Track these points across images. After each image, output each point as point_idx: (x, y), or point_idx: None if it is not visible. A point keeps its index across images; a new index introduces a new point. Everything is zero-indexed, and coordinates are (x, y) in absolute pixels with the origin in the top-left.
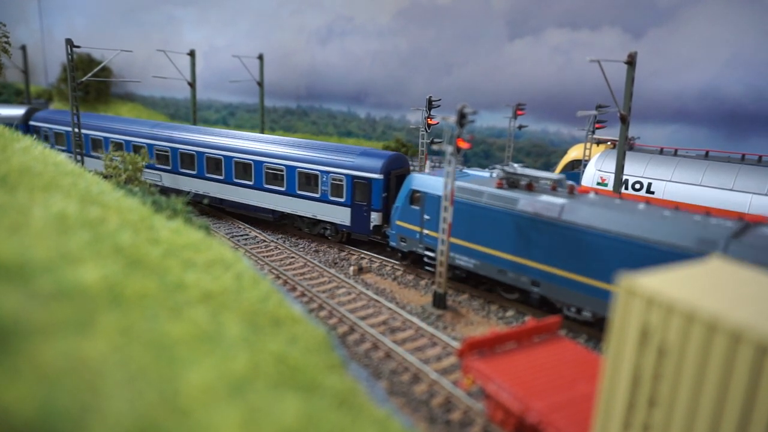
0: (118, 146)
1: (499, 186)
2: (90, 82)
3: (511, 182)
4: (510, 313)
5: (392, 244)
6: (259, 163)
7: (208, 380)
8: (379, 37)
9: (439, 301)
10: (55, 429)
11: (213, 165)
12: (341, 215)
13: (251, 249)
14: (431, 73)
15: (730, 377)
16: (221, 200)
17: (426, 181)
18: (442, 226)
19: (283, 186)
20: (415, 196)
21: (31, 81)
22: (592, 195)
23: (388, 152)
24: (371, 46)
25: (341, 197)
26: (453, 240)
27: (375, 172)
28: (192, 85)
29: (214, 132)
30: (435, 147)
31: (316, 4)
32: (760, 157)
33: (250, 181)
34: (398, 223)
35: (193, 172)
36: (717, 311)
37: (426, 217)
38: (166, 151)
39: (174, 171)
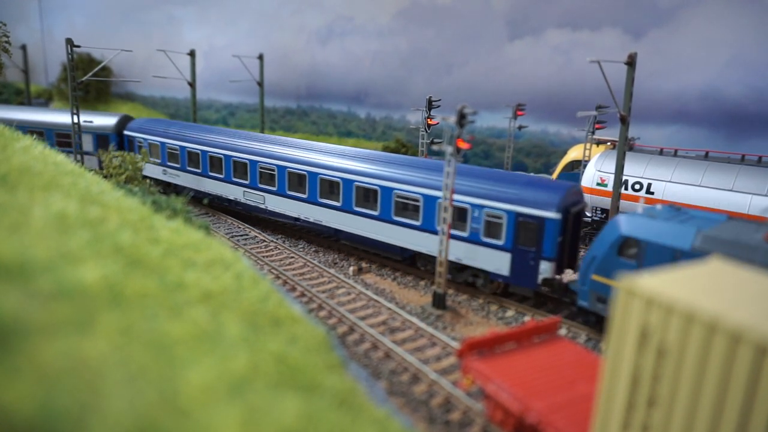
0: (217, 162)
1: None
2: (90, 82)
3: None
4: (509, 313)
5: (582, 303)
6: (386, 190)
7: (207, 380)
8: (379, 37)
9: (439, 302)
10: (55, 429)
11: (327, 188)
12: (497, 262)
13: (251, 249)
14: (431, 73)
15: (729, 378)
16: (336, 231)
17: (647, 225)
18: (442, 227)
19: (417, 220)
20: (627, 245)
21: (31, 80)
22: None
23: (563, 183)
24: (371, 46)
25: (499, 239)
26: None
27: (549, 209)
28: (192, 85)
29: (330, 149)
30: (435, 147)
31: (316, 4)
32: (760, 157)
33: (375, 210)
34: (595, 278)
35: (304, 196)
36: (717, 312)
37: None
38: (272, 170)
39: (280, 193)
